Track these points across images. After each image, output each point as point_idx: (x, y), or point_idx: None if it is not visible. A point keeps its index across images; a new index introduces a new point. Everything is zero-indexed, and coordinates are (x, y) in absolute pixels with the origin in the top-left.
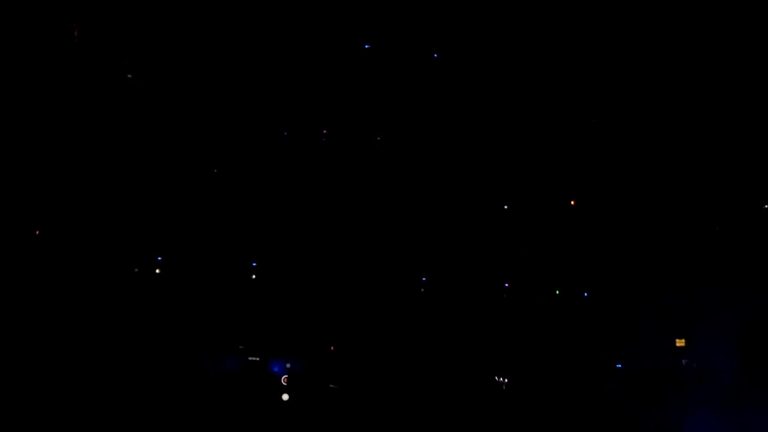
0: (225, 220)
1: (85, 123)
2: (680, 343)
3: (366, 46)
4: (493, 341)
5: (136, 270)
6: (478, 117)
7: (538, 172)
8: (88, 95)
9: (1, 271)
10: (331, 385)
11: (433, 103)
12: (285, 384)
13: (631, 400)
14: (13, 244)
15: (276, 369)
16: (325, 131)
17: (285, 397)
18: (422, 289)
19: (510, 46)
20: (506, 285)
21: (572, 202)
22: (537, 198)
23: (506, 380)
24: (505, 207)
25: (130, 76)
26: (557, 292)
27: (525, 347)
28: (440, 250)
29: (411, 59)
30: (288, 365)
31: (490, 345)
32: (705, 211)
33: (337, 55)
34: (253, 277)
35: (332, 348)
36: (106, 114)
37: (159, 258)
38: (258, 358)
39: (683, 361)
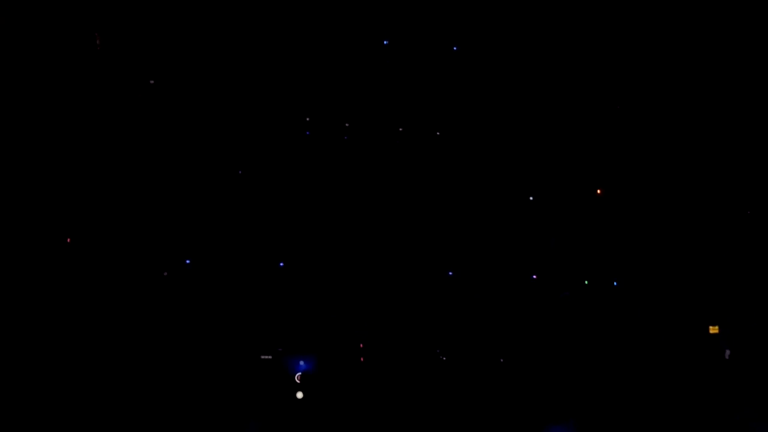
0: (250, 220)
1: (108, 127)
2: (713, 330)
3: (384, 42)
4: (521, 334)
5: (165, 274)
6: (503, 107)
7: (564, 163)
8: (112, 100)
9: (32, 274)
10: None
11: (457, 95)
12: (299, 382)
13: (664, 389)
14: (43, 248)
15: (297, 366)
16: (347, 124)
17: (299, 395)
18: (449, 284)
19: (532, 35)
20: (534, 277)
21: (599, 191)
22: (563, 188)
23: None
24: (531, 198)
25: (152, 81)
26: (586, 282)
27: (555, 339)
28: (466, 244)
29: (431, 51)
30: (301, 362)
31: (519, 337)
32: (739, 195)
33: (357, 51)
34: (280, 268)
35: (361, 345)
36: (128, 119)
37: (187, 261)
38: (270, 356)
39: (717, 347)
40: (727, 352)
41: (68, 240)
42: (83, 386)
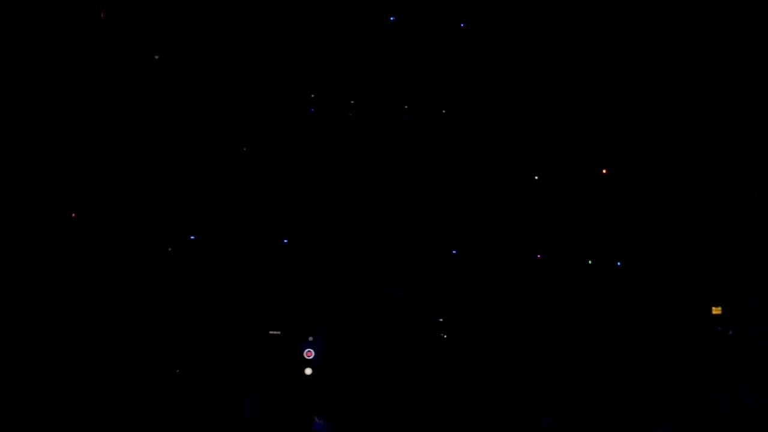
0: (254, 196)
1: (112, 102)
2: (716, 311)
3: (391, 18)
4: (525, 312)
5: (170, 249)
6: (510, 86)
7: (569, 142)
8: (115, 75)
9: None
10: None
11: (464, 73)
12: (309, 358)
13: (665, 368)
14: (49, 226)
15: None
16: (352, 101)
17: (308, 371)
18: (453, 262)
19: (536, 18)
20: (538, 256)
21: (604, 171)
22: (568, 168)
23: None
24: (536, 177)
25: (157, 57)
26: (590, 262)
27: (559, 317)
28: (471, 223)
29: (438, 27)
30: (311, 338)
31: (522, 316)
32: (743, 175)
33: (363, 28)
34: (284, 244)
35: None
36: (131, 94)
37: (192, 237)
38: (279, 332)
39: (719, 328)
40: (720, 328)
41: (72, 215)
42: (90, 355)
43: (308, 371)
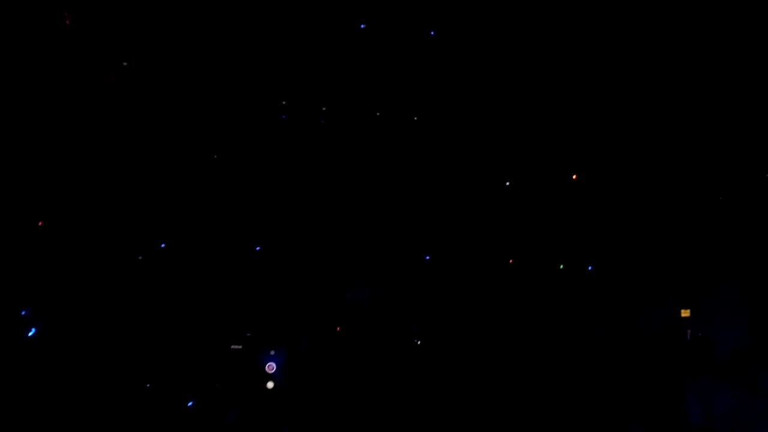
0: (225, 204)
1: (79, 112)
2: (685, 313)
3: (362, 26)
4: (499, 317)
5: (140, 258)
6: (480, 95)
7: (539, 148)
8: (82, 84)
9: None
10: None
11: (435, 81)
12: (270, 372)
13: (634, 371)
14: (16, 235)
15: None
16: (324, 108)
17: (270, 385)
18: (426, 267)
19: (515, 20)
20: (510, 261)
21: (574, 177)
22: (538, 174)
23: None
24: (507, 183)
25: (125, 63)
26: (561, 266)
27: (532, 321)
28: (444, 228)
29: (408, 35)
30: (272, 352)
31: (496, 321)
32: (710, 181)
33: (334, 35)
34: (256, 252)
35: (338, 329)
36: (100, 104)
37: (162, 245)
38: (240, 347)
39: (688, 331)
40: (689, 332)
41: (40, 223)
42: (61, 371)
43: (270, 385)
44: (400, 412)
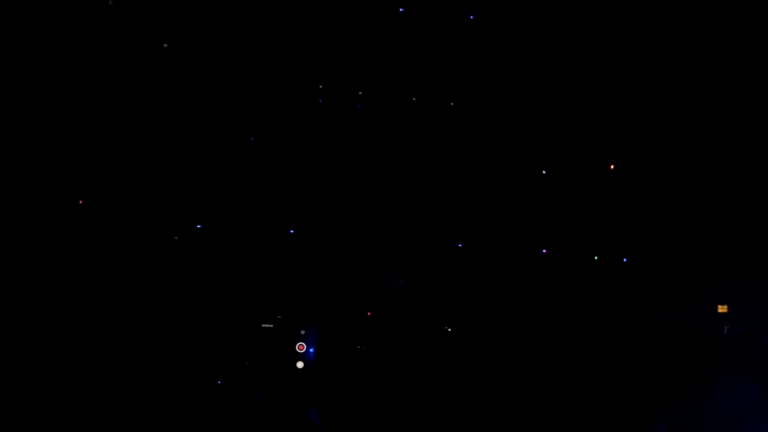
0: (261, 187)
1: (118, 91)
2: (722, 309)
3: (400, 9)
4: (532, 306)
5: (176, 237)
6: (518, 79)
7: (577, 136)
8: (122, 63)
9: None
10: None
11: (472, 65)
12: (300, 351)
13: (670, 365)
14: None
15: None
16: (360, 92)
17: (300, 364)
18: (458, 256)
19: (547, 11)
20: (544, 251)
21: (612, 167)
22: (576, 162)
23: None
24: (543, 172)
25: (165, 45)
26: (596, 258)
27: (564, 313)
28: (477, 216)
29: (446, 19)
30: (302, 332)
31: (528, 310)
32: (751, 173)
33: (371, 18)
34: (290, 235)
35: (369, 314)
36: (138, 83)
37: (198, 226)
38: (271, 326)
39: (725, 327)
40: (726, 328)
41: (80, 202)
42: (86, 345)
43: (300, 364)
44: (428, 396)
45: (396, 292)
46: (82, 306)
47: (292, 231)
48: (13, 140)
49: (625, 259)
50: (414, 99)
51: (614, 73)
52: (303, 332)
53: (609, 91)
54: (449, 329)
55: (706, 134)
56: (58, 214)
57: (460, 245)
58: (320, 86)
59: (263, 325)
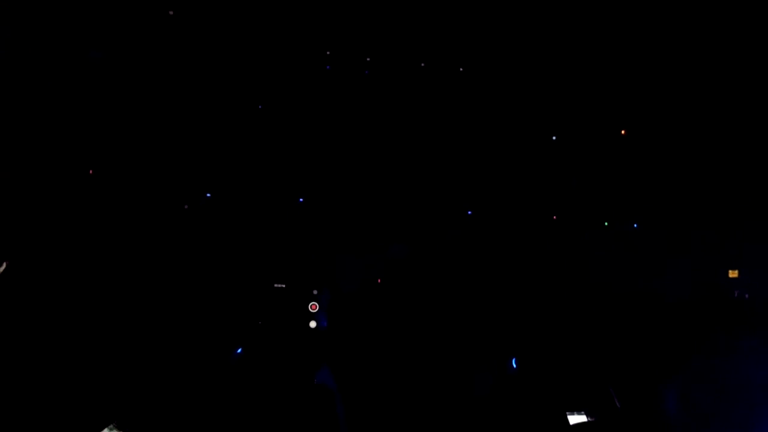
0: (269, 155)
1: (131, 60)
2: (733, 274)
3: None
4: (541, 274)
5: (186, 206)
6: (528, 47)
7: (588, 102)
8: (129, 33)
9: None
10: None
11: (482, 33)
12: (313, 311)
13: (679, 332)
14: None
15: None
16: (368, 59)
17: (312, 324)
18: (468, 222)
19: None
20: (554, 217)
21: (623, 132)
22: (586, 128)
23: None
24: (554, 138)
25: (171, 12)
26: (606, 224)
27: (574, 280)
28: (487, 183)
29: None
30: (315, 292)
31: (538, 278)
32: (763, 141)
33: None
34: (299, 203)
35: (379, 280)
36: (151, 52)
37: (207, 194)
38: (283, 285)
39: (735, 291)
40: (736, 292)
41: (90, 172)
42: (101, 309)
43: (312, 324)
44: (436, 358)
45: (400, 261)
46: (96, 270)
47: (301, 200)
48: (21, 109)
49: (635, 225)
50: (422, 65)
51: (625, 37)
52: (315, 292)
53: (619, 56)
54: (456, 296)
55: (718, 101)
56: (72, 181)
57: (470, 212)
58: (327, 53)
59: (276, 285)
